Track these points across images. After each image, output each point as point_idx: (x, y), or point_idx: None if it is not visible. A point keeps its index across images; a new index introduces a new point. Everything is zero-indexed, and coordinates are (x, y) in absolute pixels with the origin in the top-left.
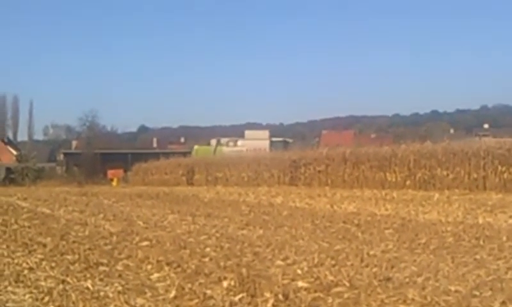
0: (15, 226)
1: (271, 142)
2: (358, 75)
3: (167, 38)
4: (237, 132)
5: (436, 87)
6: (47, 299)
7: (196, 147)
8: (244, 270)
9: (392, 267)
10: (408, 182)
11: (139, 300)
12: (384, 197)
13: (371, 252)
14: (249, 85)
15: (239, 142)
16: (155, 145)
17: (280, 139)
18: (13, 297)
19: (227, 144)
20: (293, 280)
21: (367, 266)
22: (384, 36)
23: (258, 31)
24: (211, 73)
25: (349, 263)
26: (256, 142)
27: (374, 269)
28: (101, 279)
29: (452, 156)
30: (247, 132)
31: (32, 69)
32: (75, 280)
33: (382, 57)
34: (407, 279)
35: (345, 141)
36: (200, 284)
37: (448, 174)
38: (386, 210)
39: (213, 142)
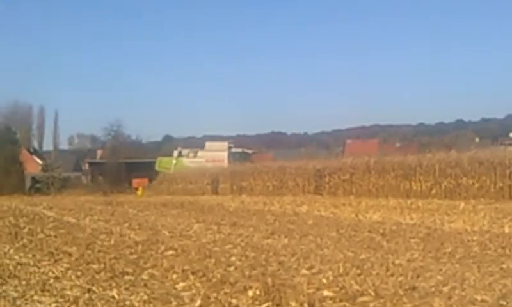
0: (41, 235)
1: (230, 153)
2: (382, 84)
3: (191, 48)
4: (263, 141)
5: (461, 96)
6: None
7: (159, 159)
8: (269, 279)
9: (418, 276)
10: (433, 191)
11: None
12: (409, 207)
13: (397, 262)
14: (276, 94)
15: (199, 153)
16: None
17: (239, 149)
18: (39, 306)
19: (187, 156)
20: (318, 289)
21: (392, 275)
22: (409, 45)
23: (279, 40)
24: (235, 81)
25: (374, 273)
26: (215, 153)
27: (400, 278)
28: (127, 289)
29: (477, 165)
30: (207, 143)
31: (57, 79)
32: (100, 289)
33: (407, 67)
34: (433, 289)
35: (370, 150)
36: (225, 293)
37: (474, 183)
38: (412, 219)
39: (176, 153)
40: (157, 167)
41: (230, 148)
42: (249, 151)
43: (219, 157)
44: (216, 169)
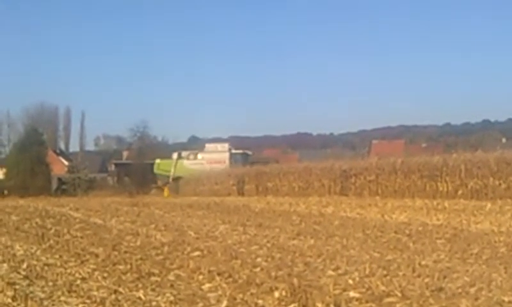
0: (68, 236)
1: (231, 155)
2: (408, 84)
3: (216, 48)
4: (289, 141)
5: (487, 96)
6: None
7: (157, 161)
8: (295, 280)
9: (444, 277)
10: (459, 192)
11: None
12: (435, 207)
13: (423, 263)
14: (302, 95)
15: (199, 155)
16: None
17: (240, 151)
18: (66, 306)
19: (188, 158)
20: (344, 290)
21: (418, 276)
22: (435, 46)
23: (305, 40)
24: (261, 82)
25: (400, 273)
26: (216, 154)
27: (426, 279)
28: (153, 289)
29: (504, 165)
30: (207, 145)
31: (84, 80)
32: (127, 290)
33: (433, 67)
34: (459, 290)
35: (396, 150)
36: (252, 294)
37: (500, 184)
38: (438, 219)
39: (175, 155)
40: (155, 170)
41: (230, 149)
42: (249, 153)
43: (221, 159)
44: (241, 170)
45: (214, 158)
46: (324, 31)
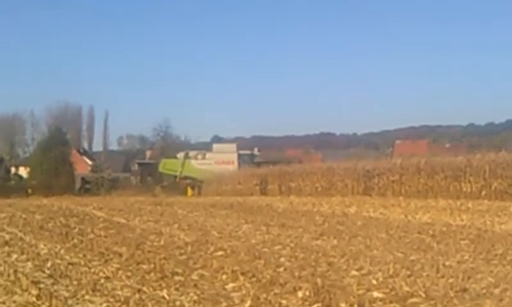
0: (91, 236)
1: (239, 155)
2: (431, 84)
3: (242, 48)
4: (312, 141)
5: (511, 96)
6: None
7: (163, 160)
8: (319, 280)
9: (468, 278)
10: (483, 192)
11: None
12: (459, 208)
13: (447, 263)
14: (324, 94)
15: (208, 155)
16: None
17: (248, 152)
18: (90, 305)
19: (195, 158)
20: (368, 290)
21: (442, 277)
22: (459, 45)
23: (327, 40)
24: (284, 82)
25: (424, 274)
26: (225, 155)
27: (450, 280)
28: (177, 289)
29: None
30: (215, 146)
31: (107, 80)
32: (151, 289)
33: (456, 66)
34: (484, 290)
35: (419, 150)
36: (275, 294)
37: None
38: (462, 220)
39: (180, 155)
40: (161, 169)
41: (238, 150)
42: (257, 153)
43: (229, 159)
44: (265, 170)
45: (223, 158)
46: (347, 31)
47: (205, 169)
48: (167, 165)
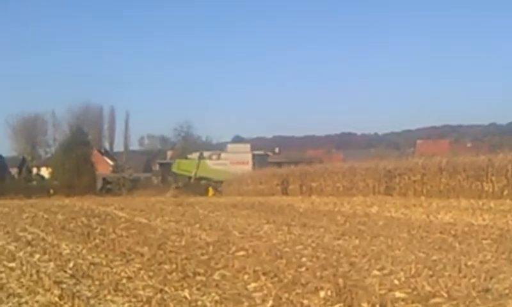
0: (113, 236)
1: (253, 155)
2: (453, 84)
3: (260, 49)
4: (333, 141)
5: None
6: None
7: (177, 161)
8: (340, 280)
9: (491, 278)
10: (505, 192)
11: None
12: (481, 208)
13: (469, 263)
14: (344, 94)
15: (223, 156)
16: None
17: (261, 152)
18: (112, 305)
19: (210, 158)
20: (390, 290)
21: (465, 277)
22: (481, 45)
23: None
24: (305, 82)
25: (446, 274)
26: (239, 155)
27: (473, 280)
28: (198, 289)
29: None
30: (229, 146)
31: (128, 80)
32: (173, 289)
33: (478, 66)
34: (506, 291)
35: (441, 150)
36: (297, 294)
37: None
38: (484, 220)
39: (192, 156)
40: (175, 169)
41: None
42: (269, 153)
43: (244, 159)
44: (286, 170)
45: (237, 158)
46: (368, 30)
47: (221, 170)
48: (181, 166)
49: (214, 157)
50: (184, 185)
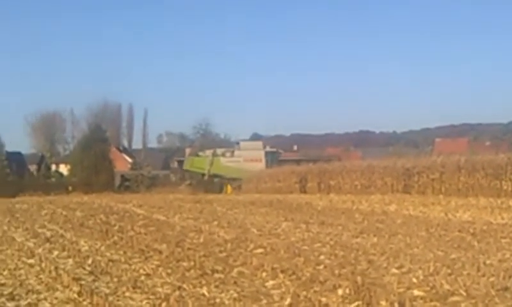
0: (132, 233)
1: (266, 153)
2: (472, 82)
3: (278, 46)
4: (351, 139)
5: None
6: (164, 305)
7: (190, 158)
8: (359, 278)
9: (510, 277)
10: None
11: None
12: (500, 206)
13: (488, 262)
14: (363, 92)
15: (236, 153)
16: None
17: (273, 149)
18: (131, 302)
19: (224, 155)
20: (409, 288)
21: (483, 275)
22: (498, 42)
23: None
24: (324, 80)
25: (465, 272)
26: (252, 152)
27: (491, 279)
28: (216, 286)
29: None
30: (242, 143)
31: (146, 77)
32: (191, 286)
33: (496, 64)
34: None
35: (459, 148)
36: (315, 291)
37: None
38: (503, 218)
39: (202, 153)
40: (188, 167)
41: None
42: (281, 151)
43: (257, 156)
44: (305, 168)
45: (251, 156)
46: (385, 31)
47: (234, 167)
48: (195, 164)
49: (228, 154)
50: (197, 182)
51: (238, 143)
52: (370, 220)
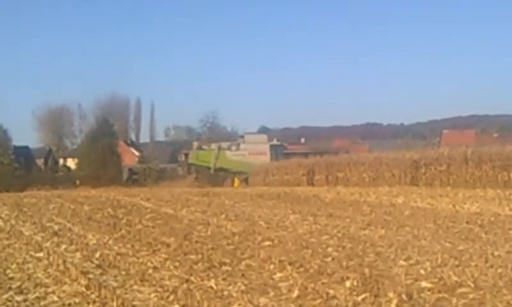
0: (139, 226)
1: (271, 146)
2: (479, 73)
3: (288, 39)
4: (359, 132)
5: None
6: (171, 298)
7: (195, 152)
8: (366, 270)
9: None
10: None
11: (263, 300)
12: (507, 198)
13: (496, 253)
14: (370, 84)
15: (241, 146)
16: None
17: (278, 143)
18: (138, 295)
19: (229, 148)
20: (416, 280)
21: (491, 267)
22: (505, 32)
23: (380, 30)
24: (331, 73)
25: (473, 264)
26: (257, 145)
27: (499, 270)
28: (224, 279)
29: None
30: (247, 136)
31: (154, 71)
32: (199, 279)
33: (504, 56)
34: None
35: (467, 140)
36: (323, 284)
37: None
38: (510, 210)
39: (206, 147)
40: (193, 161)
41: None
42: (285, 144)
43: (262, 150)
44: (312, 160)
45: (256, 149)
46: (393, 23)
47: (239, 160)
48: (200, 157)
49: (233, 147)
50: (202, 175)
51: (242, 136)
52: (378, 212)
